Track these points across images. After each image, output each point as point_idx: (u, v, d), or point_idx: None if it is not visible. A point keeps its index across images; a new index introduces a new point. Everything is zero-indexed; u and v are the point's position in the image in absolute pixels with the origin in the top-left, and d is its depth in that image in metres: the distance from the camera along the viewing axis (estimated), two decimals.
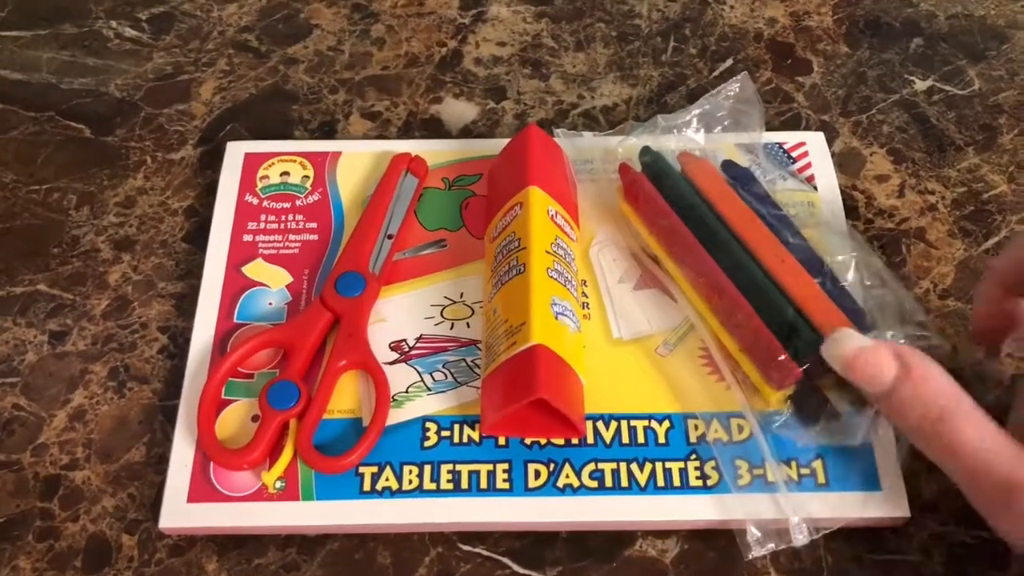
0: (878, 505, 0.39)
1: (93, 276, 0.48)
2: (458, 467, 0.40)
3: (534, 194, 0.44)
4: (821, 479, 0.40)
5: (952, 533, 0.40)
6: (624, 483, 0.40)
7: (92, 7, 0.59)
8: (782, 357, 0.39)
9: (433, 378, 0.43)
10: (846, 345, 0.36)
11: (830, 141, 0.51)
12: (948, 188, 0.51)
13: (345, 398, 0.42)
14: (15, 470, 0.42)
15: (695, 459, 0.40)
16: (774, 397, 0.40)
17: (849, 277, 0.43)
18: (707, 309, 0.43)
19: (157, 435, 0.43)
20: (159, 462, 0.42)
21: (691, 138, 0.48)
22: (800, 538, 0.38)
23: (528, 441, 0.41)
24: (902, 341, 0.39)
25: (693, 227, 0.43)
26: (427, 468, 0.40)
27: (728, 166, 0.47)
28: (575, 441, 0.41)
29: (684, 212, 0.44)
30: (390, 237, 0.46)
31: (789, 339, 0.39)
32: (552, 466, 0.40)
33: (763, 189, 0.46)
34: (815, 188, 0.48)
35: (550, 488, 0.40)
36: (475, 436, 0.41)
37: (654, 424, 0.41)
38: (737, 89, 0.48)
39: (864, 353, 0.36)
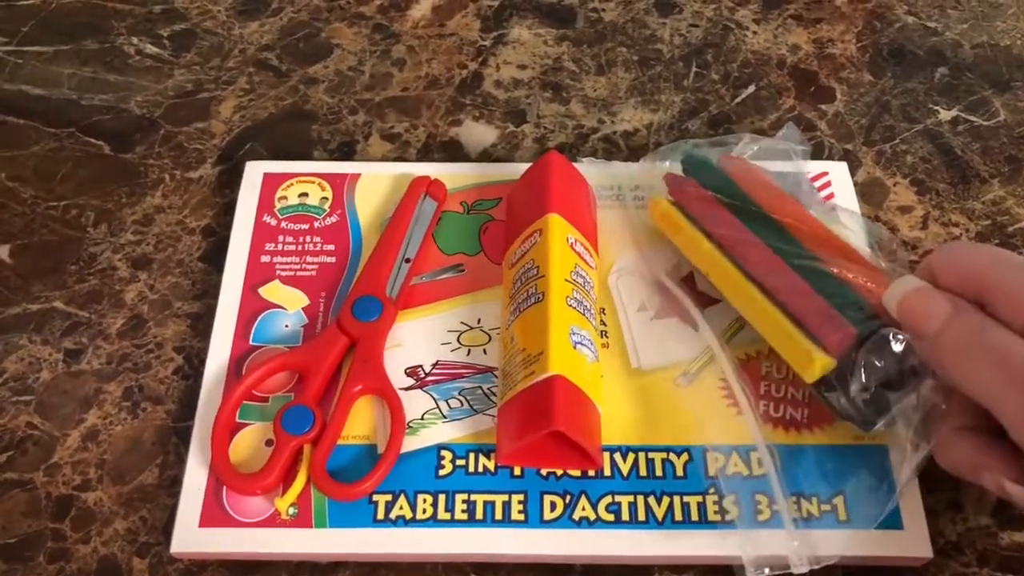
0: (900, 544, 0.39)
1: (109, 294, 0.48)
2: (473, 497, 0.40)
3: (554, 221, 0.43)
4: (842, 515, 0.39)
5: (975, 575, 0.39)
6: (641, 516, 0.39)
7: (114, 23, 0.59)
8: (838, 320, 0.38)
9: (449, 405, 0.42)
10: (902, 287, 0.37)
11: (853, 171, 0.51)
12: (972, 220, 0.50)
13: (360, 424, 0.42)
14: (28, 489, 0.42)
15: (713, 493, 0.40)
16: (818, 364, 0.38)
17: None
18: (754, 290, 0.41)
19: (170, 457, 0.43)
20: (172, 485, 0.42)
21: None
22: (799, 564, 0.37)
23: (544, 472, 0.41)
24: None
25: (743, 219, 0.43)
26: (441, 497, 0.40)
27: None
28: (592, 473, 0.40)
29: (734, 208, 0.43)
30: (408, 261, 0.46)
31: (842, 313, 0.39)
32: (568, 498, 0.40)
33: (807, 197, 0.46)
34: (838, 219, 0.47)
35: (566, 520, 0.39)
36: (490, 465, 0.41)
37: (672, 456, 0.41)
38: (782, 139, 0.48)
39: (919, 292, 0.37)
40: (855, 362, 0.38)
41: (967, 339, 0.35)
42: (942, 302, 0.36)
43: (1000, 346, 0.34)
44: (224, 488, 0.40)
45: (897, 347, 0.37)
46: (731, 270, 0.42)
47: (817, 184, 0.49)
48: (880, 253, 0.43)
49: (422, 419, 0.42)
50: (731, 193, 0.44)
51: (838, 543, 0.38)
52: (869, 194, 0.51)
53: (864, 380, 0.38)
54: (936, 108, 0.55)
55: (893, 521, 0.39)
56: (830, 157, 0.53)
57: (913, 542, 0.39)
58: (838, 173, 0.50)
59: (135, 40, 0.59)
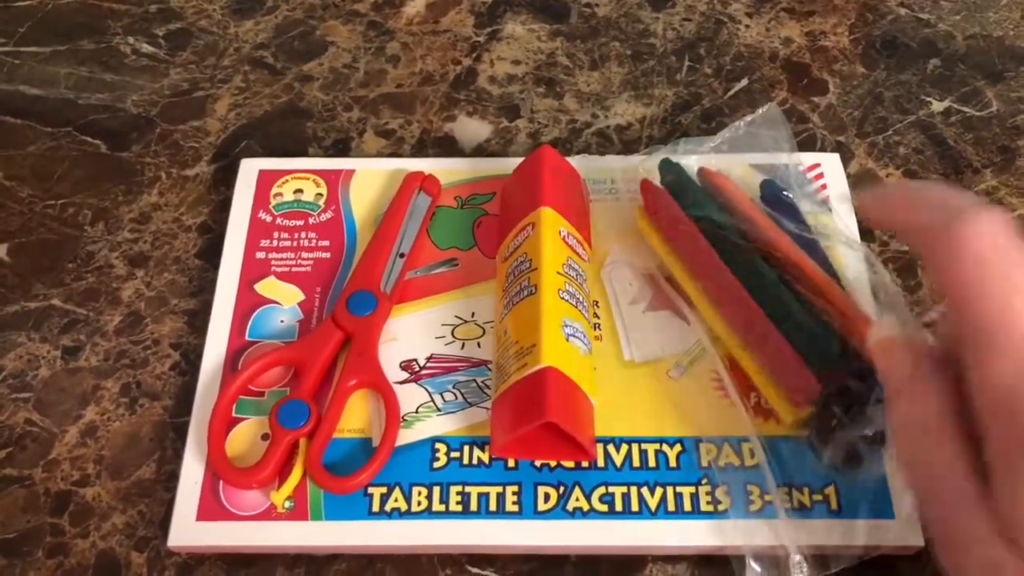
0: (891, 533, 0.39)
1: (107, 292, 0.48)
2: (467, 489, 0.40)
3: (546, 215, 0.44)
4: (834, 505, 0.39)
5: None
6: (634, 507, 0.40)
7: (110, 23, 0.60)
8: (803, 373, 0.39)
9: (443, 398, 0.43)
10: (877, 332, 0.35)
11: (845, 162, 0.51)
12: None
13: (355, 417, 0.42)
14: (27, 485, 0.42)
15: (706, 484, 0.40)
16: (791, 418, 0.40)
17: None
18: (724, 328, 0.42)
19: (167, 452, 0.43)
20: (169, 479, 0.42)
21: (711, 159, 0.48)
22: (792, 554, 0.38)
23: (538, 463, 0.41)
24: None
25: (714, 241, 0.43)
26: (436, 489, 0.40)
27: (768, 186, 0.47)
28: (585, 464, 0.41)
29: (705, 226, 0.44)
30: (402, 256, 0.46)
31: (811, 356, 0.39)
32: (562, 489, 0.40)
33: (797, 210, 0.46)
34: (830, 210, 0.48)
35: (559, 511, 0.40)
36: (485, 458, 0.41)
37: (665, 448, 0.41)
38: (764, 118, 0.48)
39: (884, 343, 0.34)
40: (825, 432, 0.39)
41: (903, 428, 0.32)
42: (904, 363, 0.33)
43: (923, 459, 0.31)
44: (221, 482, 0.40)
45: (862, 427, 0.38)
46: (709, 311, 0.43)
47: (810, 175, 0.49)
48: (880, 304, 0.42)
49: (417, 412, 0.42)
50: (706, 211, 0.44)
51: (830, 533, 0.39)
52: (861, 185, 0.51)
53: (831, 456, 0.39)
54: (929, 99, 0.55)
55: (884, 510, 0.39)
56: (823, 149, 0.53)
57: (905, 531, 0.39)
58: (830, 164, 0.50)
59: (131, 40, 0.59)
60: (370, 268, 0.46)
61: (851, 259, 0.45)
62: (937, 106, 0.55)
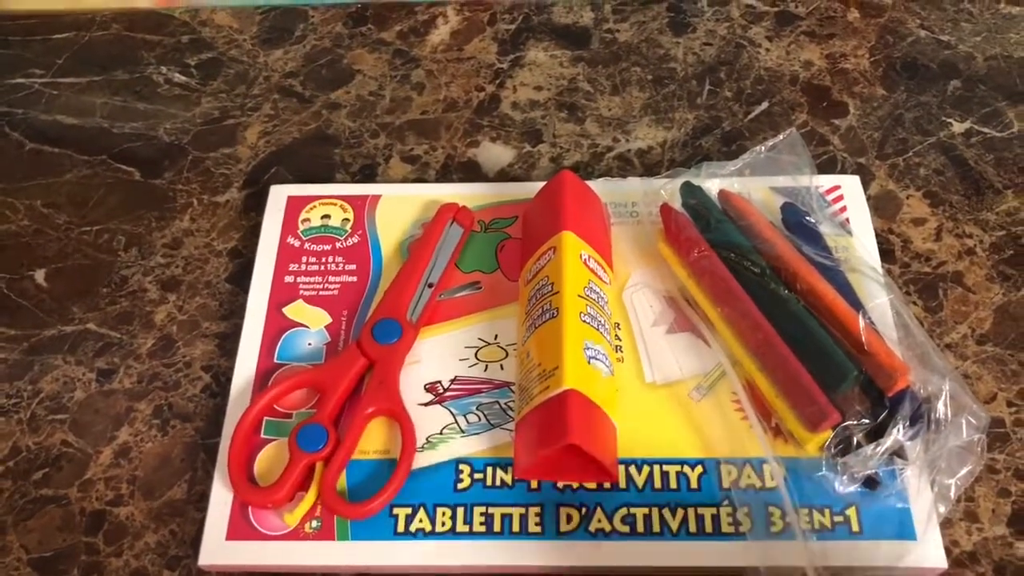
0: (913, 555, 0.39)
1: (140, 315, 0.49)
2: (491, 510, 0.41)
3: (567, 239, 0.44)
4: (855, 527, 0.40)
5: None
6: (656, 528, 0.40)
7: (144, 54, 0.62)
8: (819, 399, 0.39)
9: (467, 420, 0.43)
10: None
11: (866, 184, 0.51)
12: (986, 231, 0.50)
13: (380, 439, 0.43)
14: (63, 505, 0.43)
15: (727, 505, 0.40)
16: (811, 443, 0.40)
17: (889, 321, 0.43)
18: (744, 352, 0.43)
19: (199, 473, 0.44)
20: (200, 499, 0.43)
21: (732, 182, 0.48)
22: None
23: (560, 485, 0.41)
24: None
25: (734, 265, 0.44)
26: (460, 510, 0.41)
27: (789, 209, 0.47)
28: (607, 485, 0.41)
29: (724, 250, 0.44)
30: (431, 286, 0.47)
31: (828, 381, 0.40)
32: (584, 510, 0.41)
33: (819, 235, 0.46)
34: (850, 232, 0.48)
35: (582, 532, 0.40)
36: (508, 479, 0.42)
37: (687, 469, 0.42)
38: (785, 144, 0.48)
39: None
40: (843, 456, 0.40)
41: None
42: None
43: None
44: None
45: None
46: (729, 335, 0.44)
47: (830, 197, 0.50)
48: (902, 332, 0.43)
49: (441, 434, 0.43)
50: (726, 234, 0.45)
51: (851, 555, 0.39)
52: (882, 207, 0.51)
53: (849, 479, 0.40)
54: (949, 120, 0.55)
55: (906, 532, 0.39)
56: (843, 171, 0.53)
57: (927, 553, 0.39)
58: (851, 187, 0.50)
59: (164, 69, 0.61)
60: (398, 297, 0.46)
61: (871, 284, 0.45)
62: (958, 127, 0.55)
